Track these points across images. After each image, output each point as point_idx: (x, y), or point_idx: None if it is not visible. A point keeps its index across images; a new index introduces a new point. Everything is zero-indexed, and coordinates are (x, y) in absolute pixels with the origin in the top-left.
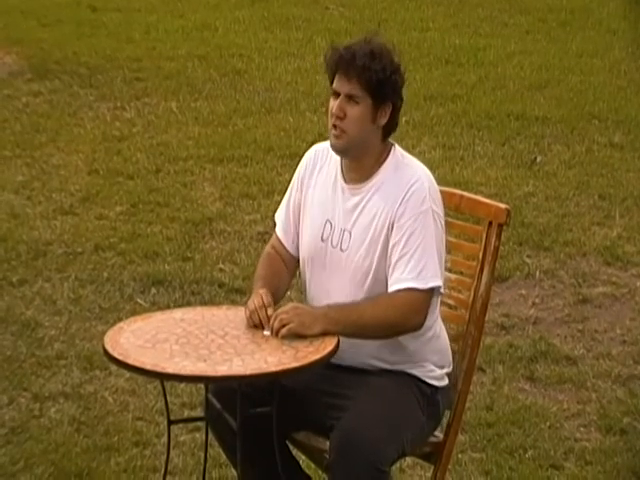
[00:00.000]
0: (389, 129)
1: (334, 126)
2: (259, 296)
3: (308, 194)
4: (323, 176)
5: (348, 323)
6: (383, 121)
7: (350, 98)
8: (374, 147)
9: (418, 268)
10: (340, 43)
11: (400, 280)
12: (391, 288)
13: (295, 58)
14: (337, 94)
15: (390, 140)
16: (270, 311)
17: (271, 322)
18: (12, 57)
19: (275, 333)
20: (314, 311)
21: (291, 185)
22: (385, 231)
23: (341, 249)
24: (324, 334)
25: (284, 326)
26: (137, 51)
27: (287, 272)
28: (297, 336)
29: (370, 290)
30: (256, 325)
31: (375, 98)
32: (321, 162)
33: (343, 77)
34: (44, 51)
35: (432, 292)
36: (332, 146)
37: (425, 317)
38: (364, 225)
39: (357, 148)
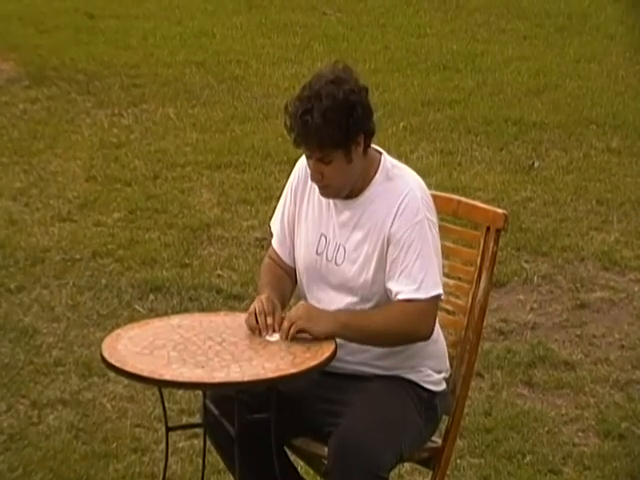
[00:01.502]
0: (367, 146)
1: (317, 185)
2: (260, 302)
3: (302, 207)
4: (315, 187)
5: (357, 329)
6: (360, 151)
7: (321, 160)
8: (360, 169)
9: (419, 279)
10: (293, 101)
11: (403, 292)
12: (395, 299)
13: (293, 64)
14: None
15: (378, 149)
16: (270, 320)
17: (284, 323)
18: (9, 64)
19: (286, 333)
20: (323, 312)
21: (284, 195)
22: (380, 246)
23: (336, 263)
24: (330, 335)
25: (294, 324)
26: (135, 58)
27: (289, 278)
28: (305, 333)
29: (366, 304)
30: (252, 329)
31: (344, 147)
32: None
33: (306, 148)
34: (42, 58)
35: (436, 300)
36: (323, 196)
37: (433, 326)
38: (358, 240)
39: (347, 188)
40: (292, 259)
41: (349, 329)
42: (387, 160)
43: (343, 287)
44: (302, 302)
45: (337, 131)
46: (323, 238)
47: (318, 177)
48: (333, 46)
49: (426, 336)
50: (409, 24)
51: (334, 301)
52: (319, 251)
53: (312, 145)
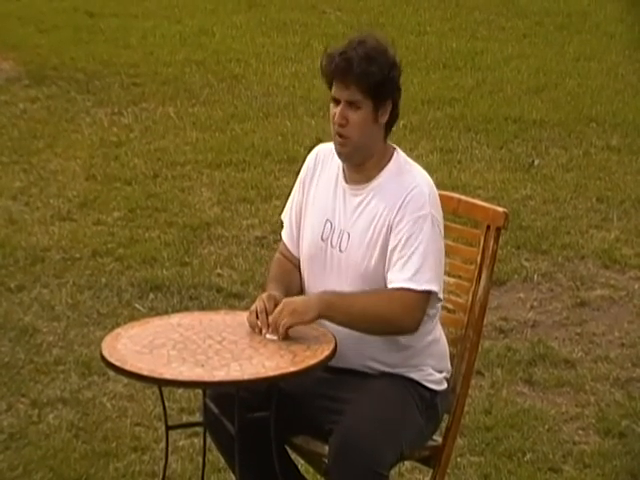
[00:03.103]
0: (390, 125)
1: (338, 134)
2: (261, 300)
3: (309, 195)
4: (325, 177)
5: (341, 309)
6: (385, 119)
7: (351, 104)
8: (377, 147)
9: (413, 269)
10: (334, 47)
11: (395, 280)
12: (388, 286)
13: (292, 63)
14: (337, 100)
15: (392, 144)
16: (271, 318)
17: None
18: (9, 63)
19: (277, 334)
20: (307, 298)
21: (295, 187)
22: (383, 235)
23: (340, 249)
24: (319, 317)
25: (280, 324)
26: (134, 56)
27: (298, 271)
28: (296, 331)
29: None
30: (252, 326)
31: (375, 99)
32: (323, 163)
33: (341, 85)
34: (41, 57)
35: (428, 295)
36: (338, 154)
37: (419, 320)
38: (363, 227)
39: (362, 152)
40: (299, 251)
41: (333, 309)
42: (401, 155)
43: (346, 274)
44: (283, 300)
45: (377, 72)
46: (328, 224)
47: (342, 121)
48: (333, 45)
49: (410, 329)
50: (408, 22)
51: (336, 288)
52: (324, 237)
53: (350, 79)
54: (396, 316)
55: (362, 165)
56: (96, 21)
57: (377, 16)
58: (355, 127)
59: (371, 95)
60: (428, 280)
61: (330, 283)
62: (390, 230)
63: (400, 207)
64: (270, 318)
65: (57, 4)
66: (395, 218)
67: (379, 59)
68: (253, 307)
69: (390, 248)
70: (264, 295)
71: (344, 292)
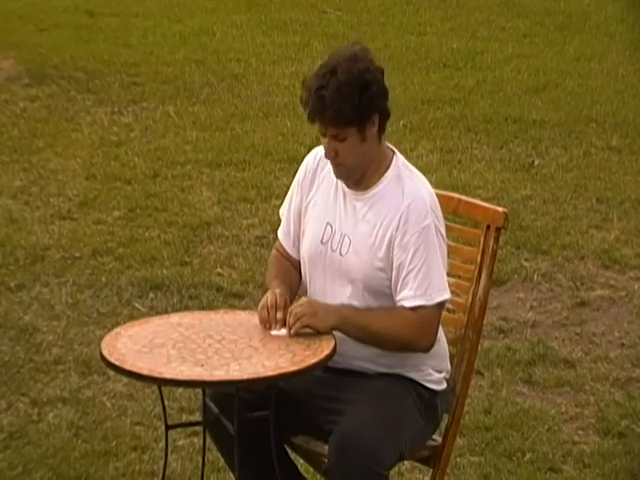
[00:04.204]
0: (383, 127)
1: (331, 161)
2: (274, 295)
3: (309, 197)
4: (325, 179)
5: (359, 326)
6: (374, 131)
7: (335, 137)
8: (374, 154)
9: (425, 285)
10: (312, 76)
11: (408, 298)
12: (399, 304)
13: (293, 62)
14: (323, 133)
15: (391, 147)
16: (280, 314)
17: (287, 319)
18: (9, 62)
19: (291, 329)
20: (327, 306)
21: (291, 189)
22: (385, 245)
23: (340, 253)
24: (334, 329)
25: (299, 320)
26: (135, 56)
27: (296, 270)
28: (310, 329)
29: (367, 299)
30: (262, 321)
31: (358, 124)
32: (322, 164)
33: (321, 124)
34: (41, 56)
35: (441, 306)
36: (336, 176)
37: (434, 338)
38: (364, 233)
39: (359, 170)
40: (296, 251)
41: (350, 325)
42: (400, 159)
43: (346, 278)
44: (305, 298)
45: (350, 107)
46: (329, 227)
47: (332, 154)
48: (333, 44)
49: (426, 348)
50: (409, 22)
51: (336, 291)
52: (324, 240)
53: (326, 121)
54: (411, 339)
55: (362, 177)
56: (96, 20)
57: (377, 16)
58: (345, 154)
59: (352, 124)
60: (439, 290)
61: (331, 286)
62: (392, 241)
63: (402, 219)
64: (288, 310)
65: (57, 3)
66: (398, 231)
67: (354, 86)
68: (264, 301)
69: (397, 264)
70: (277, 290)
71: (363, 309)
